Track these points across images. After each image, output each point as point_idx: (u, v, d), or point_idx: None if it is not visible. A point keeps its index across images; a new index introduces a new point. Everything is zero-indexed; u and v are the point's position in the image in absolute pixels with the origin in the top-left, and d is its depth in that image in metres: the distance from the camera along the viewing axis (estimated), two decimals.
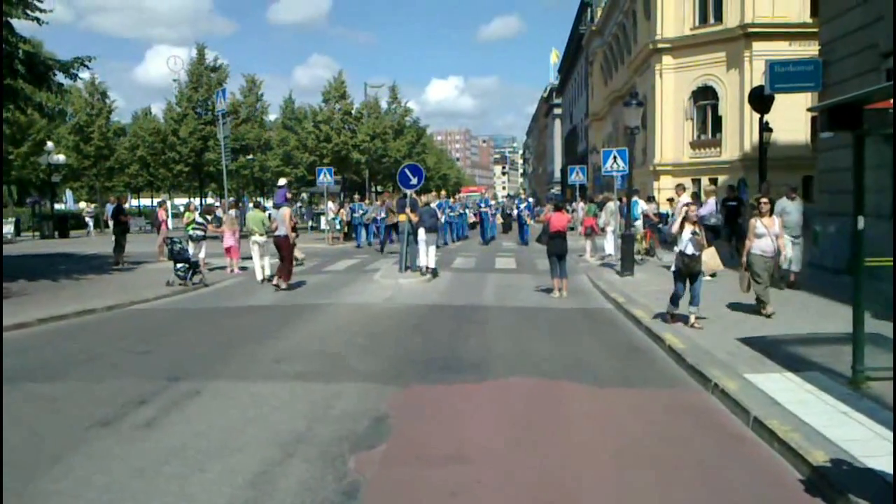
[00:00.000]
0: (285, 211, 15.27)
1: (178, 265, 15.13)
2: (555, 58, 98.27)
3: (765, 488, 4.81)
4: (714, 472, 5.06)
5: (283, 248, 15.00)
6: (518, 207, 31.16)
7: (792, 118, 27.86)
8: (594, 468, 5.13)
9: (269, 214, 19.45)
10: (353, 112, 49.42)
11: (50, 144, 37.84)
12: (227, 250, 18.20)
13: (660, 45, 34.89)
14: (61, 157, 38.62)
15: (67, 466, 5.13)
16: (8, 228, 33.06)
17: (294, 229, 15.32)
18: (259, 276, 16.50)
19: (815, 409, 5.96)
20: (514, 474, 4.99)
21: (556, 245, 13.54)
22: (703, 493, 4.72)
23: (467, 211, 33.52)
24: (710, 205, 15.30)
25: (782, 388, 6.58)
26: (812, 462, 4.85)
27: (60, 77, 16.95)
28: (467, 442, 5.64)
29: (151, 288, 14.80)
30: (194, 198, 43.80)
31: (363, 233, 28.56)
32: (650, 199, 23.14)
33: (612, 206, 19.47)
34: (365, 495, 4.64)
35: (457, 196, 41.88)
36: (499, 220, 33.40)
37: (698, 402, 6.75)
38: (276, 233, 15.15)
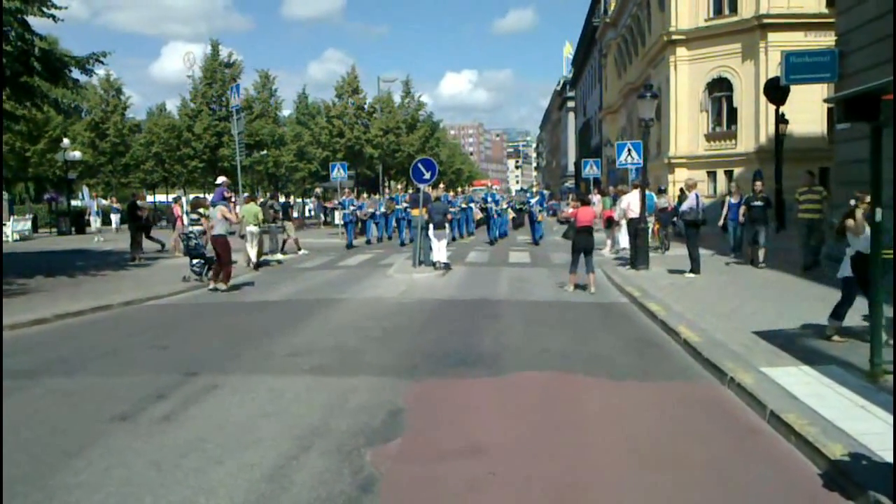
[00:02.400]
0: (220, 209, 14.78)
1: (194, 261, 15.23)
2: (568, 51, 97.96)
3: (781, 483, 4.79)
4: (730, 465, 5.04)
5: (220, 247, 14.49)
6: (528, 202, 27.91)
7: (808, 109, 27.71)
8: (609, 461, 5.13)
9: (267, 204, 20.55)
10: (365, 107, 49.54)
11: (66, 141, 38.13)
12: None
13: (674, 37, 34.70)
14: (77, 154, 38.95)
15: (87, 460, 5.18)
16: (25, 225, 33.27)
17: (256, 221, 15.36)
18: (254, 259, 18.27)
19: (832, 402, 5.92)
20: (530, 468, 5.00)
21: (583, 240, 13.24)
22: (718, 488, 4.70)
23: (472, 206, 30.81)
24: (692, 199, 15.17)
25: (799, 381, 6.55)
26: (829, 456, 4.83)
27: (76, 73, 17.07)
28: (483, 436, 5.65)
29: (167, 284, 14.91)
30: (209, 194, 44.07)
31: (371, 229, 26.99)
32: (661, 191, 22.90)
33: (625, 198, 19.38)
34: (380, 489, 4.67)
35: (458, 190, 38.83)
36: (510, 214, 31.03)
37: (714, 395, 6.73)
38: (213, 232, 14.75)
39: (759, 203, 15.57)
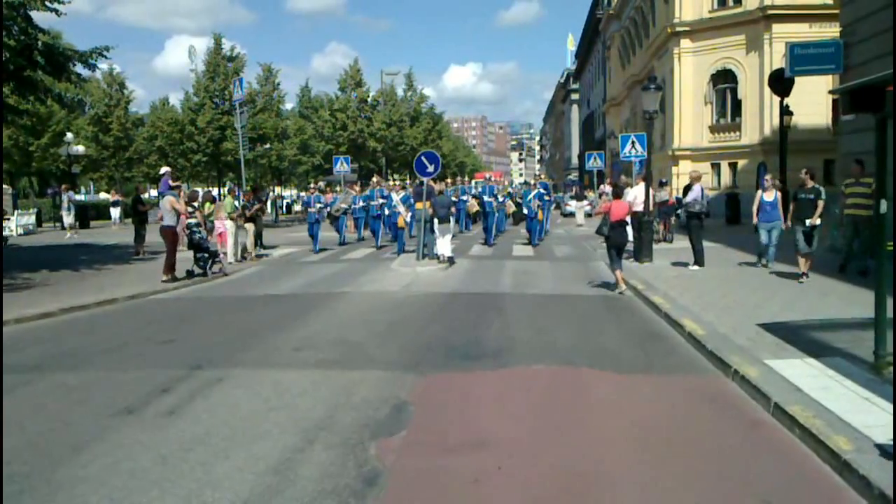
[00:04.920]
0: (169, 199, 14.75)
1: (198, 254, 15.25)
2: (571, 43, 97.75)
3: (786, 475, 4.79)
4: (735, 458, 5.04)
5: (168, 238, 14.53)
6: (525, 197, 23.55)
7: (812, 101, 27.65)
8: (615, 454, 5.13)
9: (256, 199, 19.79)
10: (368, 100, 49.53)
11: (69, 135, 38.12)
12: (220, 236, 18.44)
13: (678, 29, 34.58)
14: (81, 148, 38.92)
15: (93, 453, 5.20)
16: (29, 219, 33.31)
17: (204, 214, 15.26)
18: (231, 258, 17.80)
19: (836, 394, 5.92)
20: (535, 461, 5.01)
21: (619, 235, 12.37)
22: (723, 480, 4.70)
23: (466, 198, 27.31)
24: (696, 191, 15.06)
25: (803, 373, 6.54)
26: (834, 448, 4.82)
27: (79, 68, 17.08)
28: (488, 429, 5.66)
29: None
30: (212, 188, 44.07)
31: (344, 229, 23.49)
32: (662, 184, 22.76)
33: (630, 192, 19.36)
34: (385, 482, 4.68)
35: (446, 181, 34.23)
36: (509, 209, 27.00)
37: (719, 388, 6.73)
38: (162, 223, 14.80)
39: (809, 196, 12.64)
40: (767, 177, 14.43)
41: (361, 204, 23.41)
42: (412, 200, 19.74)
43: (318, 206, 21.73)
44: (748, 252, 16.64)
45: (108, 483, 4.68)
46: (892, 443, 4.69)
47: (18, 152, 42.76)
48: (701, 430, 5.62)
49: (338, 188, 27.80)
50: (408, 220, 19.78)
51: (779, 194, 13.55)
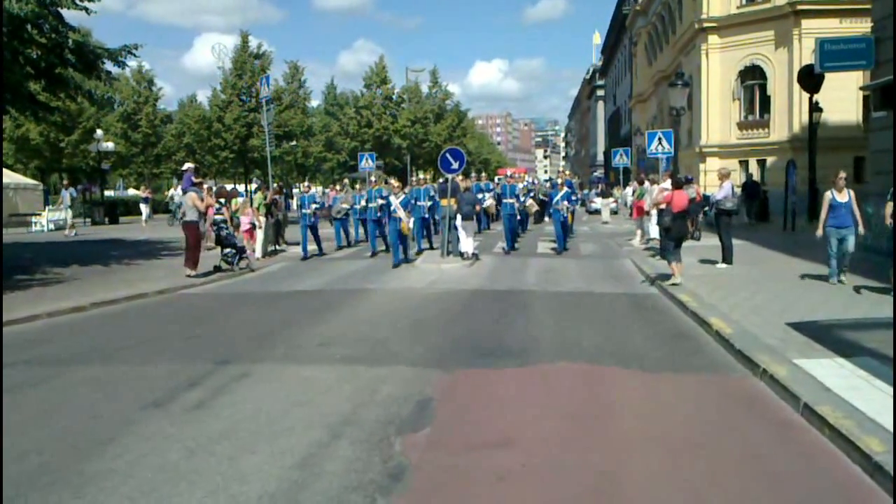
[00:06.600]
0: (191, 195, 14.76)
1: (226, 250, 15.41)
2: (597, 39, 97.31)
3: (815, 476, 4.73)
4: (764, 459, 4.98)
5: (190, 233, 14.62)
6: (551, 196, 21.38)
7: (842, 98, 27.25)
8: (641, 453, 5.10)
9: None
10: (393, 97, 49.71)
11: (99, 132, 38.61)
12: (246, 232, 18.51)
13: (706, 25, 34.25)
14: (110, 145, 39.41)
15: (122, 446, 5.26)
16: (60, 215, 33.82)
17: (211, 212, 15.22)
18: (258, 254, 18.03)
19: (867, 395, 5.83)
20: (560, 459, 4.98)
21: (680, 227, 12.07)
22: (752, 480, 4.65)
23: (482, 196, 24.12)
24: (726, 188, 14.91)
25: (833, 373, 6.45)
26: (864, 449, 4.75)
27: (109, 65, 17.30)
28: (513, 427, 5.64)
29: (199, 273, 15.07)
30: (239, 184, 44.42)
31: (341, 231, 21.09)
32: (688, 180, 22.38)
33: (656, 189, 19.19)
34: (411, 478, 4.69)
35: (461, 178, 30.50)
36: (531, 207, 24.56)
37: (747, 387, 6.65)
38: (185, 219, 14.87)
39: None
40: (842, 174, 11.91)
41: (363, 204, 19.82)
42: (413, 203, 18.53)
43: (314, 206, 19.33)
44: (776, 250, 16.45)
45: (137, 476, 4.74)
46: None
47: (49, 149, 43.41)
48: (728, 430, 5.56)
49: (336, 186, 26.46)
50: (410, 226, 17.69)
51: (853, 194, 11.62)
